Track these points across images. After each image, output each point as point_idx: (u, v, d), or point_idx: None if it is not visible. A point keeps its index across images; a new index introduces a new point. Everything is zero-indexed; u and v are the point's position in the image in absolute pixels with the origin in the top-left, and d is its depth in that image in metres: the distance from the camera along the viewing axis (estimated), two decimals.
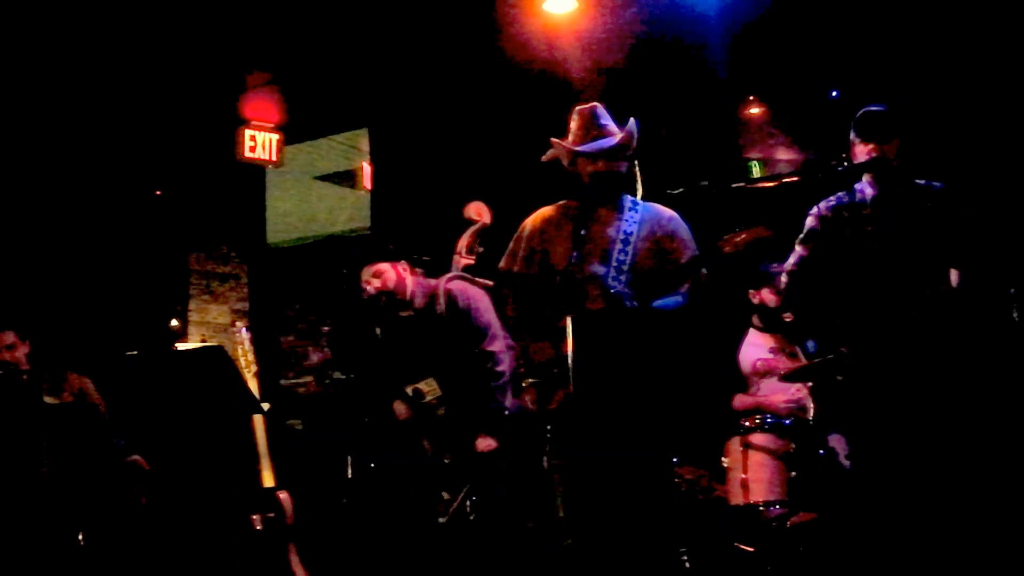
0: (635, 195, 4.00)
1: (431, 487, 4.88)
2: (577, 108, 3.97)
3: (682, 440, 4.87)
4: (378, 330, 5.14)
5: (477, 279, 4.97)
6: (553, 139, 3.94)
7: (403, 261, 4.96)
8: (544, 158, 4.03)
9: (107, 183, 8.25)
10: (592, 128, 3.91)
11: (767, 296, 5.36)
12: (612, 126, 3.94)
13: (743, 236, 3.57)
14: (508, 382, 4.70)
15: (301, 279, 9.91)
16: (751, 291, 5.41)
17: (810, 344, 5.28)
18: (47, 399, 5.38)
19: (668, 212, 3.97)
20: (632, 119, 3.91)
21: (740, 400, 5.41)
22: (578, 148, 3.88)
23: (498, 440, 4.70)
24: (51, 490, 5.10)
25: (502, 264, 4.09)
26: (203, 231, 9.08)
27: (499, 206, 5.33)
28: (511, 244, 4.08)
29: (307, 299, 9.86)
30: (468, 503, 4.69)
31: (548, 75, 6.74)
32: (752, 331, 5.47)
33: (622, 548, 3.68)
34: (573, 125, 3.96)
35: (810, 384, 5.04)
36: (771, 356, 5.38)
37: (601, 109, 3.97)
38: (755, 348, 5.43)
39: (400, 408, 5.07)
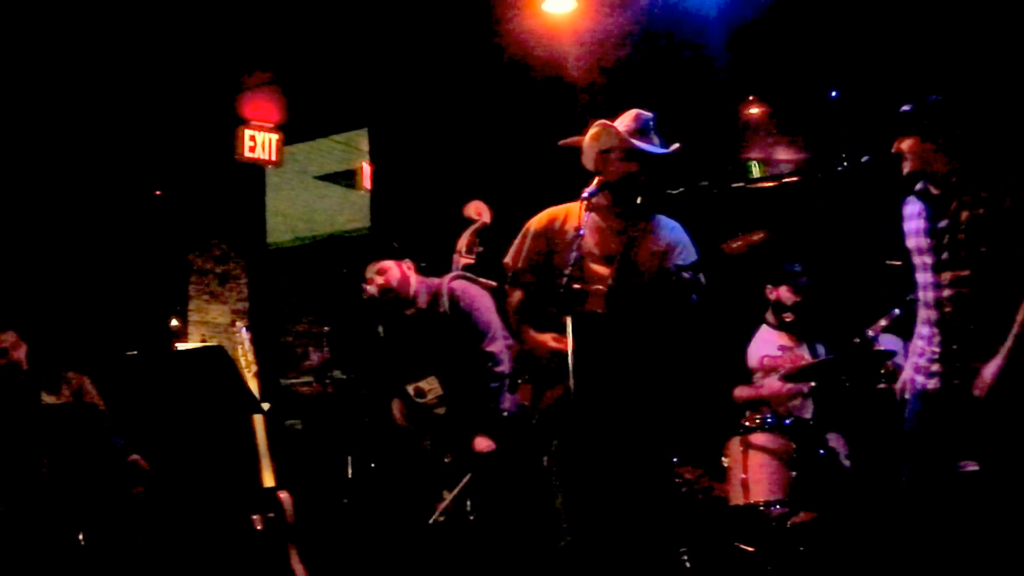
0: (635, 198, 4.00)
1: (431, 487, 4.88)
2: (635, 110, 3.96)
3: (682, 440, 4.88)
4: (381, 328, 5.15)
5: (480, 279, 4.98)
6: (604, 122, 3.92)
7: (407, 260, 4.98)
8: (564, 143, 4.00)
9: (107, 183, 8.24)
10: (644, 133, 3.91)
11: (784, 294, 5.37)
12: (656, 138, 3.95)
13: (745, 240, 3.57)
14: (507, 383, 4.70)
15: (301, 279, 9.91)
16: (769, 287, 5.42)
17: (820, 348, 5.30)
18: (46, 398, 5.38)
19: (672, 222, 3.98)
20: (678, 143, 3.92)
21: (740, 391, 5.43)
22: (636, 143, 3.86)
23: (496, 441, 4.70)
24: (51, 490, 5.10)
25: (507, 260, 4.09)
26: (203, 231, 9.08)
27: (499, 205, 5.33)
28: (516, 241, 4.08)
29: (307, 299, 9.86)
30: (467, 502, 4.69)
31: (548, 75, 6.74)
32: (764, 327, 5.49)
33: (622, 548, 3.68)
34: (627, 121, 3.93)
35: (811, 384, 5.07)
36: (779, 354, 5.40)
37: (653, 121, 3.97)
38: (765, 344, 5.45)
39: (397, 408, 5.07)
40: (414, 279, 4.99)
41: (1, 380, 5.35)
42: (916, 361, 3.77)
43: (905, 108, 3.70)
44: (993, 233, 3.57)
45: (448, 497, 4.73)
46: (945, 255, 3.63)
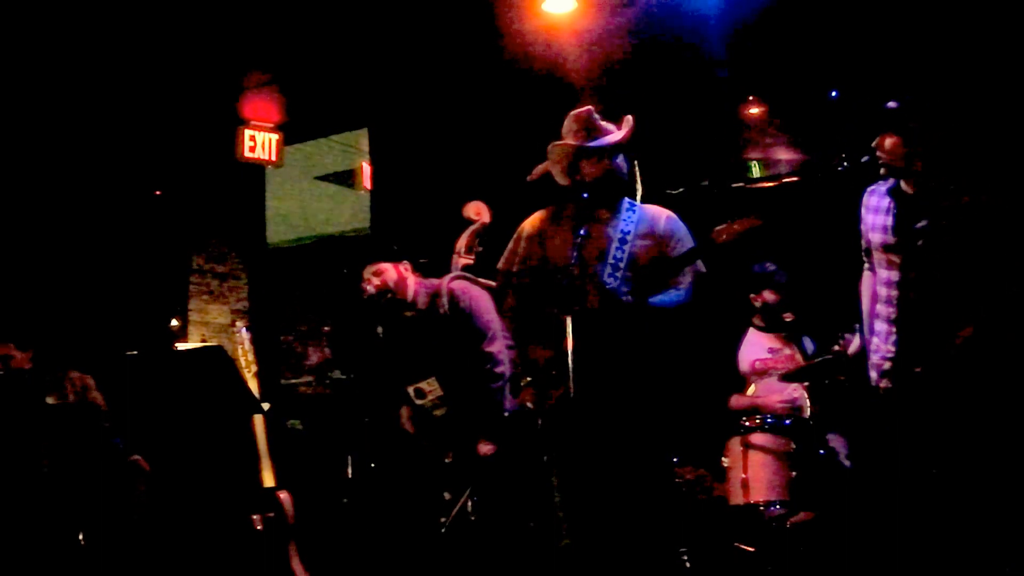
0: (635, 196, 4.00)
1: (432, 487, 4.87)
2: (572, 113, 3.97)
3: (682, 440, 4.88)
4: (380, 330, 5.15)
5: (480, 279, 4.97)
6: (554, 143, 3.93)
7: (405, 262, 4.97)
8: (533, 176, 4.01)
9: (107, 183, 8.24)
10: (591, 129, 3.91)
11: (768, 296, 5.36)
12: (608, 125, 3.95)
13: (736, 226, 3.57)
14: (507, 383, 4.70)
15: (301, 279, 9.91)
16: (752, 295, 5.41)
17: (808, 344, 5.29)
18: (49, 399, 5.37)
19: (666, 212, 3.97)
20: (628, 116, 3.91)
21: (736, 400, 5.42)
22: (590, 144, 3.87)
23: (497, 443, 4.70)
24: (51, 490, 5.09)
25: (501, 265, 4.10)
26: (203, 231, 9.08)
27: (499, 206, 5.33)
28: (510, 244, 4.09)
29: (307, 299, 9.87)
30: (469, 504, 4.68)
31: (548, 75, 6.73)
32: (752, 331, 5.48)
33: (622, 548, 3.68)
34: (571, 128, 3.95)
35: (807, 384, 5.06)
36: (770, 356, 5.39)
37: (594, 112, 3.97)
38: (754, 348, 5.44)
39: (405, 414, 5.06)
40: (412, 281, 4.99)
41: (4, 384, 5.33)
42: (873, 360, 3.76)
43: (890, 105, 3.70)
44: (971, 238, 3.57)
45: (456, 505, 4.72)
46: (918, 255, 3.63)
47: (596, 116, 3.95)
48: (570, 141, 3.91)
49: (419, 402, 4.96)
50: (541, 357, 3.84)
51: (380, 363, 5.33)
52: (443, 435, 4.93)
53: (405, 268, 4.99)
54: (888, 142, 3.66)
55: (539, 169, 4.00)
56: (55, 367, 5.52)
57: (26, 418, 5.26)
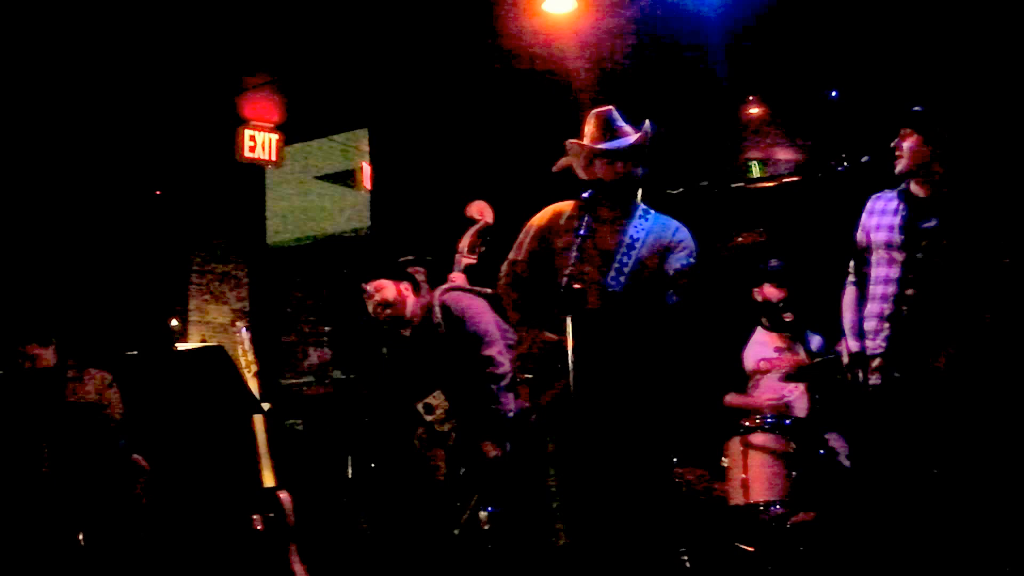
0: (635, 196, 4.00)
1: (445, 498, 4.85)
2: (593, 111, 3.97)
3: (682, 440, 4.89)
4: (385, 350, 5.14)
5: (474, 288, 4.96)
6: (571, 140, 3.93)
7: (406, 281, 4.95)
8: (556, 167, 4.02)
9: (107, 183, 8.25)
10: (609, 130, 3.91)
11: (769, 291, 5.36)
12: (628, 128, 3.95)
13: (739, 240, 3.59)
14: (509, 384, 4.68)
15: (301, 279, 9.91)
16: (754, 290, 5.42)
17: (817, 340, 5.28)
18: (70, 398, 5.33)
19: (676, 223, 3.97)
20: (647, 121, 3.91)
21: (730, 399, 5.43)
22: (600, 146, 3.87)
23: (502, 445, 4.68)
24: (51, 490, 5.09)
25: (510, 255, 4.11)
26: (203, 231, 9.07)
27: (500, 206, 5.33)
28: (520, 236, 4.10)
29: (307, 299, 9.87)
30: (481, 512, 4.66)
31: (548, 75, 6.74)
32: (759, 330, 5.48)
33: (622, 548, 3.68)
34: (589, 128, 3.96)
35: (807, 384, 5.06)
36: (776, 355, 5.39)
37: (616, 112, 3.97)
38: (760, 347, 5.44)
39: (419, 434, 5.04)
40: (411, 301, 4.98)
41: (26, 381, 5.29)
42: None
43: (916, 108, 3.71)
44: (975, 243, 3.58)
45: (466, 511, 4.71)
46: (920, 255, 3.64)
47: (615, 116, 3.95)
48: (584, 141, 3.92)
49: (429, 418, 4.94)
50: (539, 353, 3.84)
51: (387, 383, 5.32)
52: (455, 447, 4.90)
53: (406, 288, 4.97)
54: (908, 142, 3.67)
55: (563, 162, 4.01)
56: (78, 366, 5.47)
57: (36, 417, 5.23)
